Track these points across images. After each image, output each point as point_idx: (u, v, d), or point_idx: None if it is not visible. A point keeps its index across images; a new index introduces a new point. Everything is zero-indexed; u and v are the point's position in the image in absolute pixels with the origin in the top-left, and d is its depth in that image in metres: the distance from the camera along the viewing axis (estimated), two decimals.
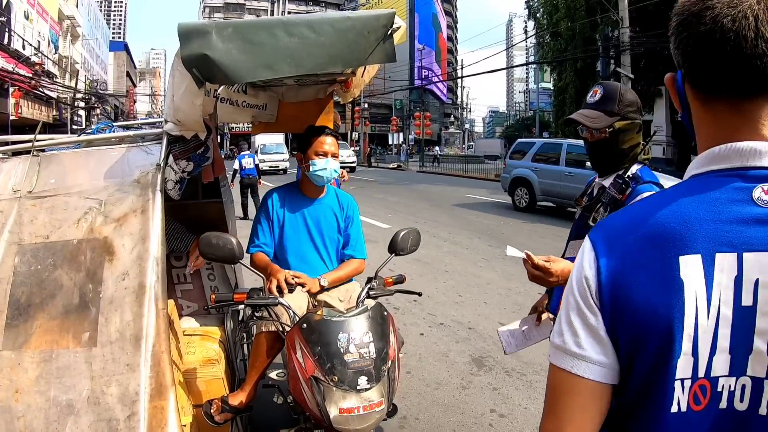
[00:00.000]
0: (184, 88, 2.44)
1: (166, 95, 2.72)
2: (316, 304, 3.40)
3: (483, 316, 7.29)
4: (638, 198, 2.42)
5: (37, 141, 2.91)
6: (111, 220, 2.54)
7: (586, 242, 1.15)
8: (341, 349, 2.61)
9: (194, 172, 2.95)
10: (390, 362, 2.74)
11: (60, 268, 2.48)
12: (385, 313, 2.92)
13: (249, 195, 16.63)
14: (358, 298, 3.12)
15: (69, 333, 2.33)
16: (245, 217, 15.49)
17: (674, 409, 1.03)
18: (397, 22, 2.41)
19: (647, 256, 1.05)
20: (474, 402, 4.95)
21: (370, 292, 3.16)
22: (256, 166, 16.99)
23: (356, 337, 2.66)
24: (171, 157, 2.72)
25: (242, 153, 17.34)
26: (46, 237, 2.55)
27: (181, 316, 4.22)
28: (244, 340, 4.40)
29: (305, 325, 2.71)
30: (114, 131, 3.26)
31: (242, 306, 3.04)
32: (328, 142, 3.52)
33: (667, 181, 2.23)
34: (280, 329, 3.02)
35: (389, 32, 2.39)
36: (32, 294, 2.41)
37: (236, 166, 16.78)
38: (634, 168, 2.66)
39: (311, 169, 3.47)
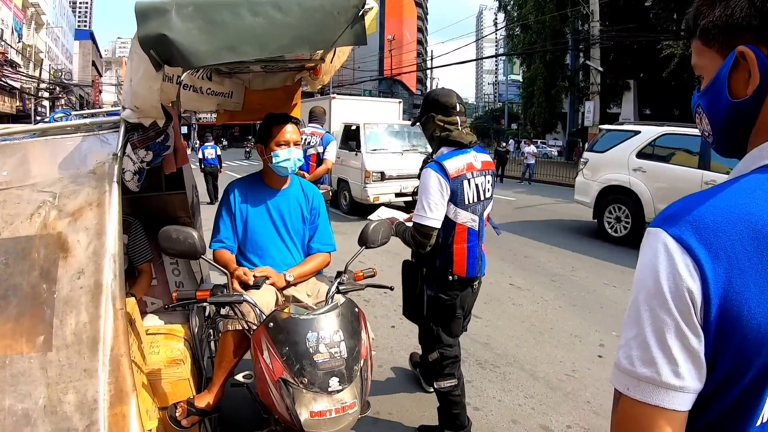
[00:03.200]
0: (141, 71, 2.28)
1: (125, 80, 2.56)
2: (283, 299, 3.28)
3: None
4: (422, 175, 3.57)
5: None
6: (65, 214, 2.39)
7: (667, 240, 0.95)
8: (310, 349, 2.49)
9: (154, 162, 2.79)
10: (362, 361, 2.63)
11: (12, 266, 2.33)
12: (356, 309, 2.80)
13: (212, 181, 18.14)
14: (327, 293, 2.98)
15: (23, 337, 2.19)
16: (212, 201, 17.49)
17: (758, 422, 0.94)
18: (368, 2, 2.27)
19: (756, 262, 0.89)
20: None
21: (340, 287, 3.02)
22: (218, 156, 18.54)
23: (326, 335, 2.54)
24: (129, 146, 2.56)
25: (205, 144, 18.91)
26: None
27: (145, 313, 4.07)
28: (211, 337, 4.26)
29: (272, 324, 2.58)
30: (71, 119, 3.08)
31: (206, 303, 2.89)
32: (288, 131, 3.41)
33: (453, 160, 3.51)
34: (246, 327, 2.89)
35: (360, 13, 2.25)
36: None
37: (200, 155, 18.35)
38: (443, 150, 3.66)
39: (274, 160, 3.37)
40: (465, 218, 3.58)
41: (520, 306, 7.41)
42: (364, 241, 3.25)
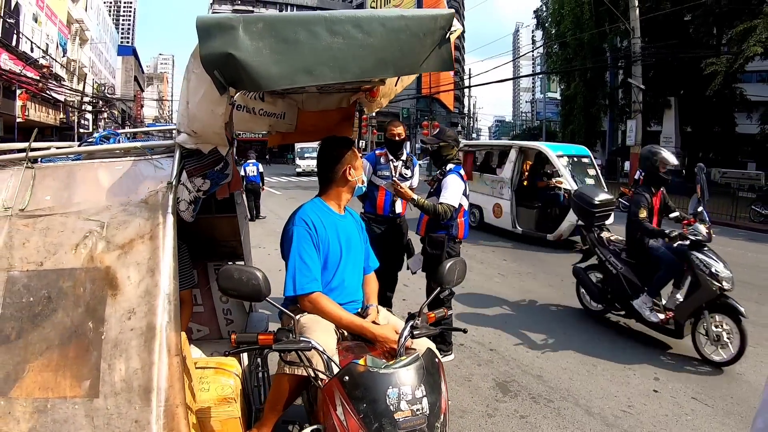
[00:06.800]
0: (201, 93, 2.08)
1: (180, 102, 2.34)
2: (340, 337, 3.04)
3: (504, 337, 6.99)
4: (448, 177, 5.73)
5: (32, 150, 2.56)
6: (114, 246, 2.21)
7: None
8: (391, 407, 2.23)
9: (211, 191, 2.59)
10: (442, 416, 2.36)
11: (55, 301, 2.16)
12: (437, 359, 2.54)
13: (253, 199, 18.04)
14: (400, 338, 2.73)
15: (66, 379, 2.03)
16: (253, 218, 17.64)
17: None
18: (455, 24, 2.04)
19: None
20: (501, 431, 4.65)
21: (414, 332, 2.76)
22: (260, 174, 18.48)
23: (407, 392, 2.28)
24: (184, 174, 2.36)
25: (247, 161, 18.63)
26: (40, 264, 2.24)
27: (191, 341, 3.87)
28: (260, 368, 4.03)
29: (347, 377, 2.31)
30: (119, 140, 2.90)
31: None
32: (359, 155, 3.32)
33: (461, 170, 6.04)
34: (313, 375, 2.61)
35: (447, 35, 2.02)
36: (23, 330, 2.10)
37: (242, 173, 17.84)
38: (450, 166, 5.86)
39: (365, 182, 3.35)
40: (465, 203, 5.88)
41: (571, 336, 7.12)
42: (441, 281, 3.03)
